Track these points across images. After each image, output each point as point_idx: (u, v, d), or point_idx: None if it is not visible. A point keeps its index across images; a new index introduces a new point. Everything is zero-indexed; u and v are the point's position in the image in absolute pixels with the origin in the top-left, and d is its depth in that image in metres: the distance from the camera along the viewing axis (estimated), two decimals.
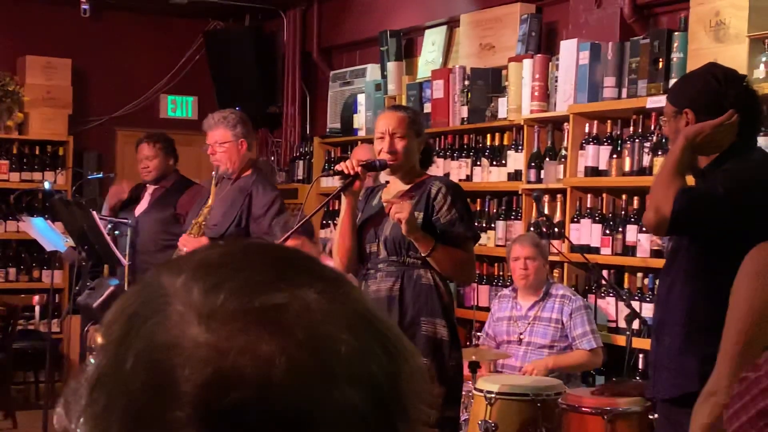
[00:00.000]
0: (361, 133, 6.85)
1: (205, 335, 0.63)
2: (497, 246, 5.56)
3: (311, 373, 0.63)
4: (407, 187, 3.73)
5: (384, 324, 0.69)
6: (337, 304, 0.67)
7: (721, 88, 3.01)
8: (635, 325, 4.42)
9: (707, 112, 3.00)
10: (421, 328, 3.56)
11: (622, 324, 4.58)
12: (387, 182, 3.85)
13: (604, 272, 4.83)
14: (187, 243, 4.58)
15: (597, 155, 5.00)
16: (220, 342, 0.63)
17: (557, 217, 5.20)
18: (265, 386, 0.62)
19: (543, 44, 5.67)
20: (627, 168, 4.86)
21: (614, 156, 4.93)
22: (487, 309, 5.23)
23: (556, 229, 5.11)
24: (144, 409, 0.63)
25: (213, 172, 4.77)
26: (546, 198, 5.21)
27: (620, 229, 4.85)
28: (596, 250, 4.91)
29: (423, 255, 3.57)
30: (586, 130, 5.06)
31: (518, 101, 5.49)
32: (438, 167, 5.52)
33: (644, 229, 4.71)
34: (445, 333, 3.58)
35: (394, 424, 0.66)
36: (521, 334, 4.77)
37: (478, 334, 5.02)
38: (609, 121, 5.02)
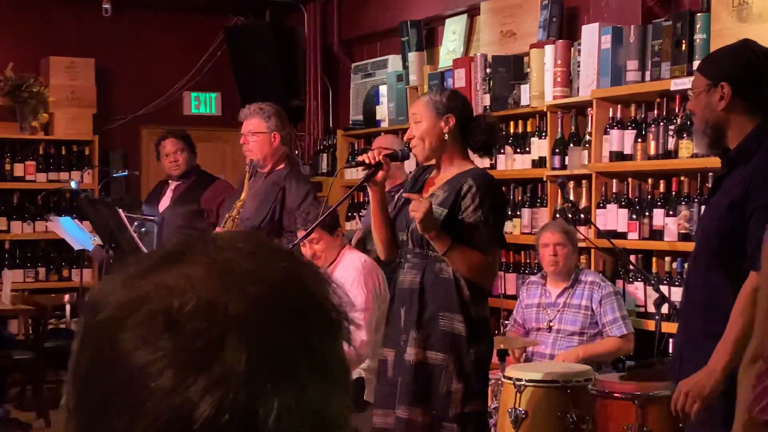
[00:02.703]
0: (384, 125, 6.84)
1: (122, 288, 0.74)
2: (523, 234, 5.54)
3: (217, 289, 0.72)
4: (447, 177, 3.59)
5: (277, 245, 0.80)
6: (240, 240, 0.78)
7: (762, 64, 2.92)
8: (664, 309, 4.40)
9: (745, 87, 2.91)
10: (439, 323, 3.49)
11: (651, 308, 4.55)
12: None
13: (632, 257, 4.80)
14: None
15: (621, 139, 4.97)
16: (132, 283, 0.74)
17: (583, 203, 5.17)
18: (168, 299, 0.71)
19: (564, 29, 5.63)
20: (652, 151, 4.82)
21: (639, 140, 4.89)
22: (514, 297, 5.21)
23: (582, 215, 5.09)
24: (95, 356, 0.73)
25: (247, 165, 4.78)
26: (571, 184, 5.18)
27: (647, 214, 4.81)
28: (623, 235, 4.88)
29: (439, 254, 3.48)
30: (610, 114, 5.02)
31: (541, 88, 5.46)
32: None
33: (671, 212, 4.68)
34: (462, 329, 3.47)
35: (304, 312, 0.74)
36: (551, 321, 4.75)
37: (506, 322, 5.01)
38: (633, 105, 4.97)
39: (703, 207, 4.36)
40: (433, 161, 3.67)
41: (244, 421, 0.68)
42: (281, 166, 4.78)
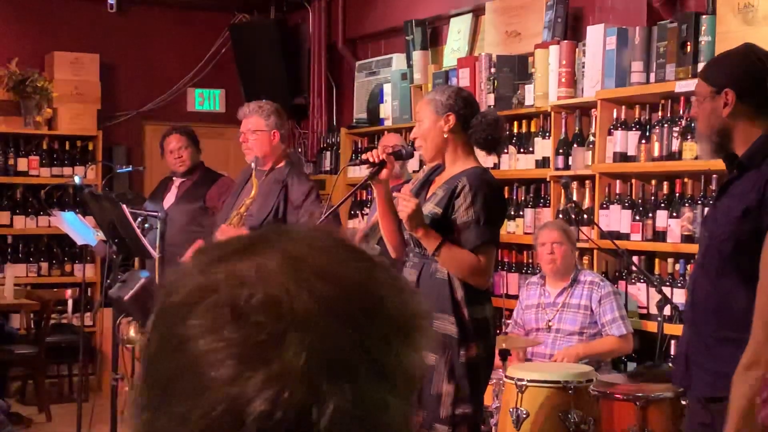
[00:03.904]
0: (388, 123, 6.85)
1: (198, 273, 0.75)
2: (526, 234, 5.54)
3: (283, 280, 0.72)
4: (448, 176, 3.58)
5: (356, 244, 0.80)
6: (318, 235, 0.78)
7: (766, 69, 2.88)
8: (667, 311, 4.40)
9: (749, 93, 2.88)
10: (432, 324, 3.47)
11: (653, 310, 4.55)
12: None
13: (635, 258, 4.80)
14: (226, 233, 4.58)
15: (625, 141, 4.97)
16: (207, 269, 0.74)
17: (586, 204, 5.17)
18: (237, 290, 0.72)
19: (569, 30, 5.63)
20: (656, 153, 4.82)
21: (643, 141, 4.89)
22: (516, 297, 5.21)
23: (585, 216, 5.09)
24: (164, 337, 0.73)
25: (252, 164, 4.79)
26: (574, 185, 5.18)
27: (650, 215, 4.81)
28: (626, 237, 4.88)
29: (429, 253, 3.47)
30: (614, 115, 5.02)
31: (545, 88, 5.47)
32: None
33: (674, 214, 4.68)
34: (453, 330, 3.44)
35: (366, 311, 0.73)
36: (550, 321, 4.75)
37: (508, 322, 5.01)
38: (637, 107, 4.98)
39: (706, 209, 4.36)
40: (440, 161, 3.67)
41: (297, 419, 0.68)
42: (281, 163, 4.79)
